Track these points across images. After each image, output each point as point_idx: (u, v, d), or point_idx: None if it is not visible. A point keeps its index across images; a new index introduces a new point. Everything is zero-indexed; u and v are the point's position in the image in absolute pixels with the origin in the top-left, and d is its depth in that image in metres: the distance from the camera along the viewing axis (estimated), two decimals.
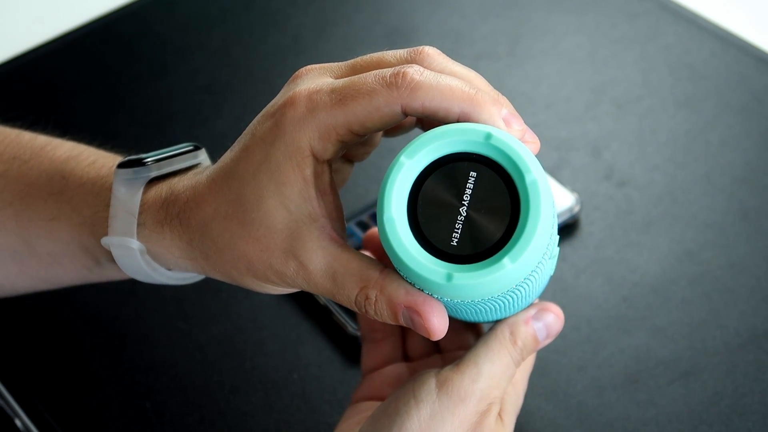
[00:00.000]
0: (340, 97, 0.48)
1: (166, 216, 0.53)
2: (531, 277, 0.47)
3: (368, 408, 0.57)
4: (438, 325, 0.48)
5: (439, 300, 0.47)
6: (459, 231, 0.45)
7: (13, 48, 0.90)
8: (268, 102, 0.51)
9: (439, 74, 0.47)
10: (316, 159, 0.49)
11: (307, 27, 0.92)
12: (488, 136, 0.45)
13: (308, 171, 0.49)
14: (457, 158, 0.45)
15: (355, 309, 0.50)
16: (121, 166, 0.54)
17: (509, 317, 0.55)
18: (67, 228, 0.57)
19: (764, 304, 0.71)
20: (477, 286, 0.45)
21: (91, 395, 0.67)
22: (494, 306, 0.49)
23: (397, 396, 0.53)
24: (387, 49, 0.52)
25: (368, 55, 0.51)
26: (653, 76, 0.87)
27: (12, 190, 0.59)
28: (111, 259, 0.57)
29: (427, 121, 0.50)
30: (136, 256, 0.54)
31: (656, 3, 0.93)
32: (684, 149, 0.81)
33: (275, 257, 0.49)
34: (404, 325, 0.49)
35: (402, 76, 0.47)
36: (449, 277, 0.44)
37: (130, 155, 0.57)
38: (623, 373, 0.66)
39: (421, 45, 0.50)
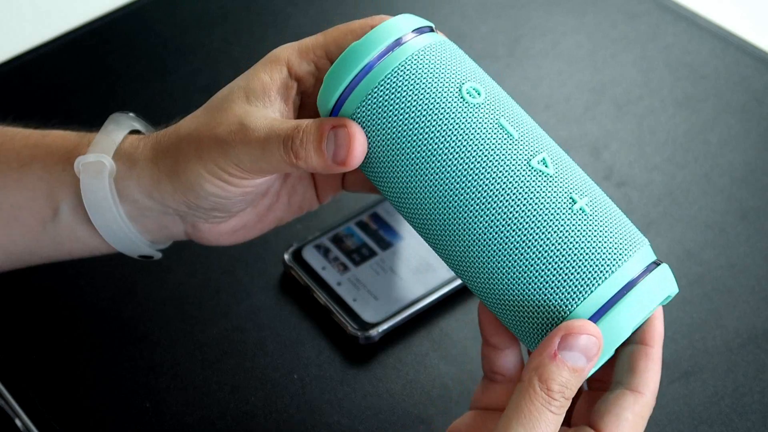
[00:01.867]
0: (324, 31, 0.56)
1: (143, 142, 0.58)
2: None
3: None
4: (360, 142, 0.51)
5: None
6: None
7: (13, 48, 0.90)
8: None
9: None
10: (290, 71, 0.55)
11: (307, 27, 0.92)
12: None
13: (277, 76, 0.55)
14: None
15: (283, 154, 0.52)
16: None
17: (533, 362, 0.49)
18: (39, 172, 0.59)
19: (764, 304, 0.71)
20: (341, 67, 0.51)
21: (91, 395, 0.67)
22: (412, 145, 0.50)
23: None
24: None
25: None
26: (653, 76, 0.87)
27: None
28: (72, 205, 0.58)
29: None
30: (105, 180, 0.56)
31: (656, 3, 0.93)
32: (683, 149, 0.81)
33: (222, 128, 0.54)
34: (324, 154, 0.51)
35: (379, 16, 0.55)
36: None
37: None
38: None
39: None
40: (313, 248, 0.72)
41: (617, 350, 0.53)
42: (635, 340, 0.53)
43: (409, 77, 0.51)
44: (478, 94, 0.51)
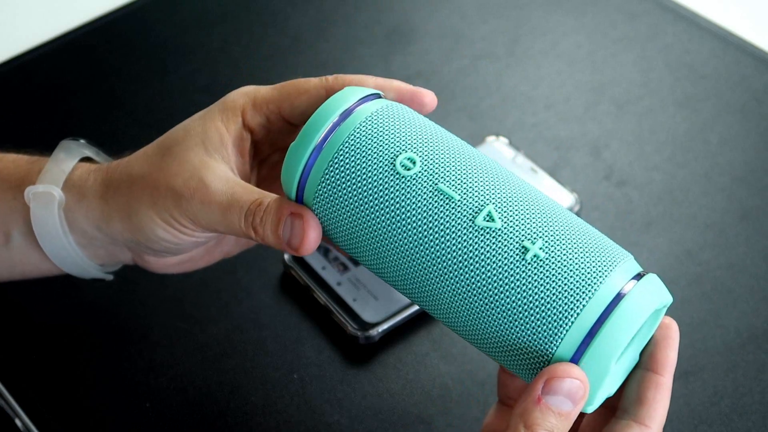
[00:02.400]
0: (279, 85, 0.57)
1: (93, 175, 0.58)
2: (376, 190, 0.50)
3: None
4: (314, 234, 0.52)
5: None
6: None
7: (13, 48, 0.90)
8: None
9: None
10: (244, 122, 0.56)
11: (306, 27, 0.92)
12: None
13: (233, 127, 0.56)
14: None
15: (243, 226, 0.53)
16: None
17: (519, 409, 0.48)
18: None
19: (764, 304, 0.71)
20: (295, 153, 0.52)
21: (91, 395, 0.67)
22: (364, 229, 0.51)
23: None
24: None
25: None
26: (653, 76, 0.87)
27: None
28: (23, 231, 0.59)
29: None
30: (54, 211, 0.57)
31: (656, 3, 0.93)
32: (683, 149, 0.81)
33: (179, 180, 0.54)
34: (280, 237, 0.52)
35: (333, 76, 0.56)
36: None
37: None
38: None
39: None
40: None
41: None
42: (646, 366, 0.52)
43: (347, 164, 0.51)
44: (413, 163, 0.50)
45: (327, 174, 0.51)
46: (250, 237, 0.53)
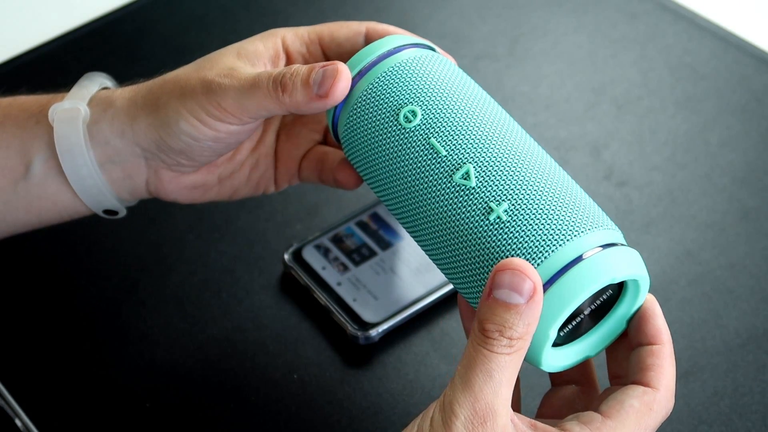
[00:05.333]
0: (324, 23, 0.61)
1: (121, 89, 0.60)
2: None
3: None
4: (346, 77, 0.55)
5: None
6: None
7: (13, 48, 0.90)
8: None
9: None
10: (283, 43, 0.59)
11: None
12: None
13: (270, 45, 0.59)
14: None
15: (270, 87, 0.55)
16: None
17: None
18: (12, 129, 0.60)
19: (764, 304, 0.71)
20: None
21: (91, 395, 0.67)
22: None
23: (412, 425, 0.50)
24: None
25: None
26: (653, 76, 0.87)
27: None
28: (45, 157, 0.59)
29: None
30: (78, 126, 0.58)
31: (656, 3, 0.93)
32: (683, 149, 0.81)
33: (211, 73, 0.57)
34: (310, 86, 0.55)
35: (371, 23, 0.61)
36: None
37: None
38: None
39: None
40: (313, 248, 0.72)
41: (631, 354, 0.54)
42: (639, 342, 0.53)
43: (361, 109, 0.56)
44: (414, 116, 0.54)
45: (351, 111, 0.56)
46: (278, 99, 0.55)
